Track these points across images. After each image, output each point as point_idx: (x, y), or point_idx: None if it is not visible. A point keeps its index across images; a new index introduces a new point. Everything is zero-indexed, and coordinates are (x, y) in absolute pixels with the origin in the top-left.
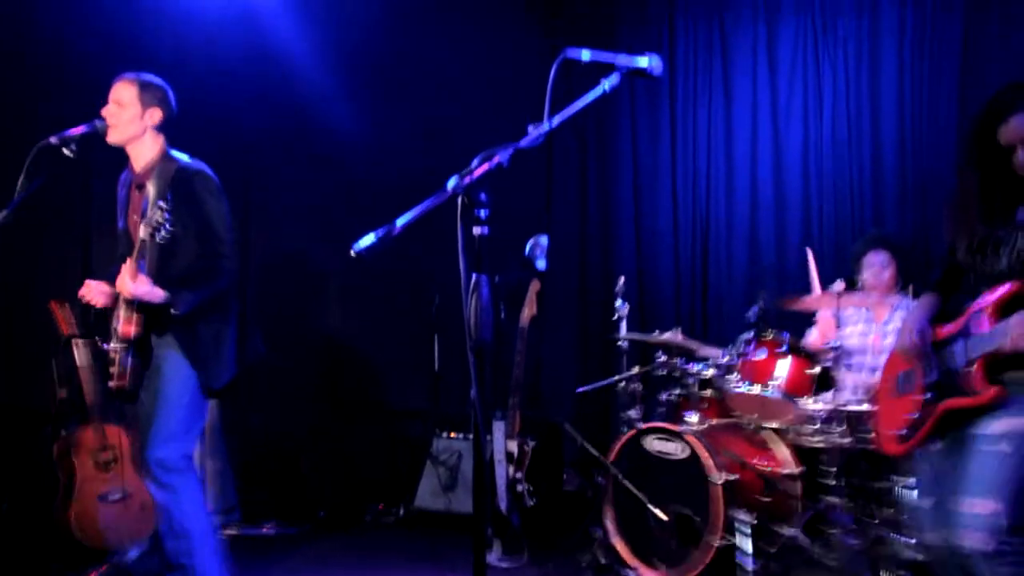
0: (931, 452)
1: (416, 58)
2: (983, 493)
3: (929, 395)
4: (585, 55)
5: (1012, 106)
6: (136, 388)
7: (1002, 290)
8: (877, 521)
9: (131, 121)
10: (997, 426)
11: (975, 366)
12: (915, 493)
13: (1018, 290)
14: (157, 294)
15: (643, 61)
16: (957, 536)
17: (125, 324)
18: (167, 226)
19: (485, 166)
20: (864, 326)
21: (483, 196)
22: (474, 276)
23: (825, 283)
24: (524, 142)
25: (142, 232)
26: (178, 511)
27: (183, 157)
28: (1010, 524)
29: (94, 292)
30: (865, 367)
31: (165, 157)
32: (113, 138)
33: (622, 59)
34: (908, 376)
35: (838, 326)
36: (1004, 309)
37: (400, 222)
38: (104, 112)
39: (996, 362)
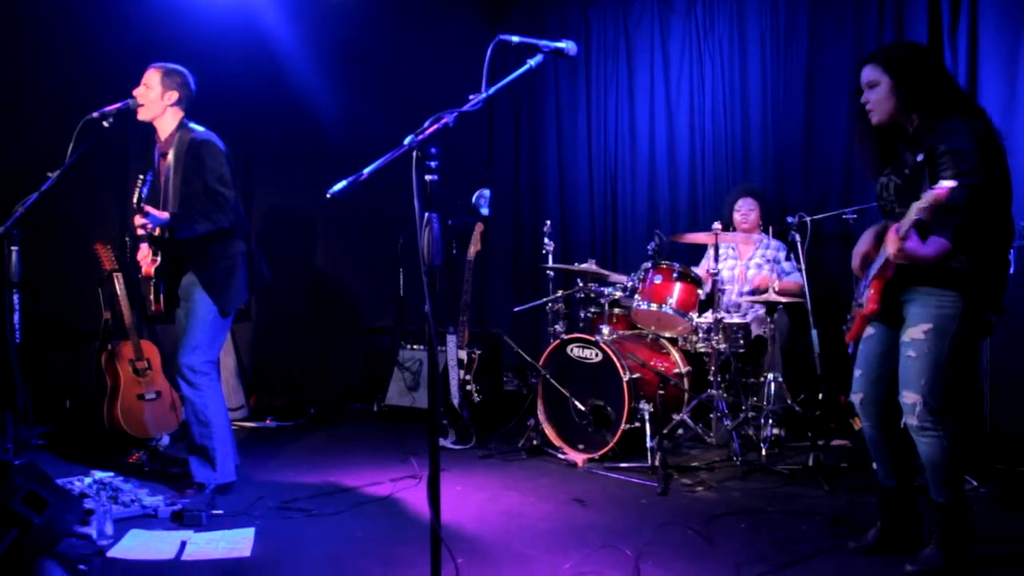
0: (861, 343)
1: (384, 44)
2: (908, 388)
3: (858, 303)
4: (515, 39)
5: (863, 61)
6: (170, 311)
7: (892, 227)
8: (745, 407)
9: (153, 101)
10: (905, 336)
11: (872, 284)
12: (856, 369)
13: None
14: (162, 219)
15: (562, 44)
16: (904, 416)
17: (151, 263)
18: (144, 192)
19: (435, 126)
20: (732, 261)
21: (433, 150)
22: (427, 215)
23: (708, 224)
24: (466, 107)
25: (134, 199)
26: (202, 404)
27: (198, 128)
28: (927, 408)
29: (144, 255)
30: (733, 292)
31: (182, 128)
32: (142, 115)
33: (544, 42)
34: (859, 286)
35: (716, 259)
36: None
37: (367, 170)
38: (135, 92)
39: (889, 283)
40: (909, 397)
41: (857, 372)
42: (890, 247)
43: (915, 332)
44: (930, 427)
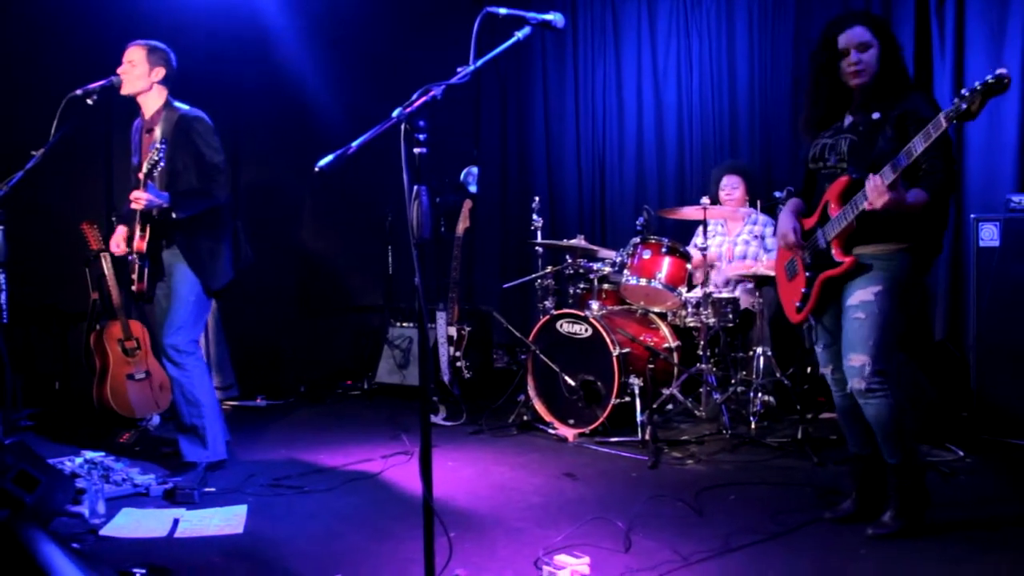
0: (821, 315)
1: (371, 20)
2: (855, 350)
3: (808, 273)
4: (502, 11)
5: (850, 21)
6: (152, 290)
7: (838, 183)
8: (734, 381)
9: (140, 77)
10: (852, 299)
11: (833, 244)
12: (818, 345)
13: (848, 181)
14: (163, 197)
15: (549, 16)
16: (849, 381)
17: (140, 240)
18: (161, 163)
19: (423, 98)
20: (720, 238)
21: (422, 123)
22: (415, 187)
23: (695, 200)
24: (454, 79)
25: (144, 167)
26: (188, 384)
27: (183, 106)
28: (875, 369)
29: (117, 240)
30: (722, 268)
31: (168, 106)
32: (126, 91)
33: (532, 14)
34: (792, 264)
35: (705, 235)
36: (843, 197)
37: (355, 143)
38: (119, 70)
39: (848, 239)
40: (856, 359)
41: (820, 347)
42: (879, 198)
43: (864, 295)
44: (877, 388)
